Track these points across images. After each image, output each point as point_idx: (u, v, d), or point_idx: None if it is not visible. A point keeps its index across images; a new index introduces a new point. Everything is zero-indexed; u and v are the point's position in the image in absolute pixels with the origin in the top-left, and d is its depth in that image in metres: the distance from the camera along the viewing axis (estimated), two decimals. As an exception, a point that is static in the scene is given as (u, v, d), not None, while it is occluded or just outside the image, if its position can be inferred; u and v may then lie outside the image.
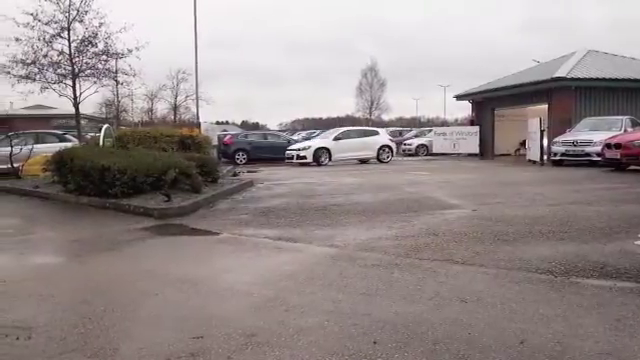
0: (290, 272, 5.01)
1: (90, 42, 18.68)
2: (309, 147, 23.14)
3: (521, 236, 6.20)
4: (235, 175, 15.07)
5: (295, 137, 36.92)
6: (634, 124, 18.58)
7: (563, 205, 8.54)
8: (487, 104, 28.66)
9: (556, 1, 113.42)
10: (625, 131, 17.42)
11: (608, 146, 15.54)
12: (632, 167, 14.64)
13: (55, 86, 18.80)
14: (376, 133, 25.35)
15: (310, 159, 22.45)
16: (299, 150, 23.26)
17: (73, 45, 18.47)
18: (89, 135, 20.74)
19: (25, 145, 14.96)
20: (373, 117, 68.68)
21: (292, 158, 22.90)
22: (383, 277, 4.73)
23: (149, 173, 9.33)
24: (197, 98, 33.08)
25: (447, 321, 3.60)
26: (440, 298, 4.10)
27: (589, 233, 6.25)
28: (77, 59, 18.65)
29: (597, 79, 22.85)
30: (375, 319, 3.65)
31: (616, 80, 22.97)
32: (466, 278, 4.65)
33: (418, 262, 5.20)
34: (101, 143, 12.62)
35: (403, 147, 32.34)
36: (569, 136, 18.97)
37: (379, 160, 23.87)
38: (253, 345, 3.26)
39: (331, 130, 26.37)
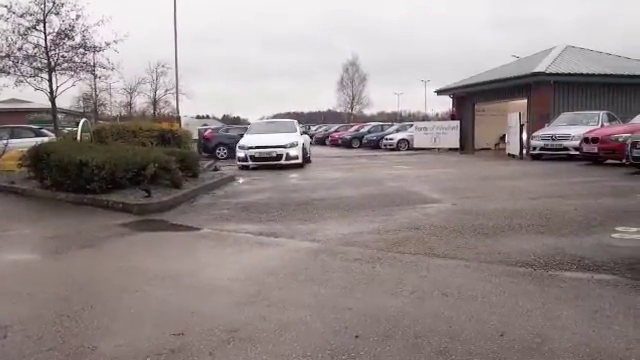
0: (272, 267, 4.99)
1: (67, 35, 18.45)
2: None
3: (501, 230, 6.25)
4: (216, 170, 14.98)
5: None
6: (611, 119, 18.85)
7: (542, 199, 8.63)
8: (468, 99, 28.86)
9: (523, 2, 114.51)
10: (602, 125, 17.67)
11: (586, 140, 15.73)
12: (609, 161, 14.84)
13: (30, 80, 18.56)
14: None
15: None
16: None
17: (49, 38, 18.26)
18: (66, 130, 20.45)
19: (0, 140, 14.71)
20: (354, 112, 68.84)
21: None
22: (365, 271, 4.74)
23: (128, 168, 9.22)
24: (177, 92, 32.85)
25: (428, 314, 3.62)
26: (421, 292, 4.12)
27: (567, 226, 6.33)
28: (53, 52, 18.42)
29: (575, 74, 23.14)
30: (357, 313, 3.66)
31: (593, 75, 23.27)
32: (447, 271, 4.68)
33: (400, 256, 5.22)
34: (78, 138, 12.44)
35: (384, 142, 32.44)
36: (548, 130, 19.18)
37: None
38: (235, 341, 3.24)
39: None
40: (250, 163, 16.76)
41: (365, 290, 4.23)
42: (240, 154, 17.09)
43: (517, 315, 3.58)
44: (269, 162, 16.64)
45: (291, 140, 17.41)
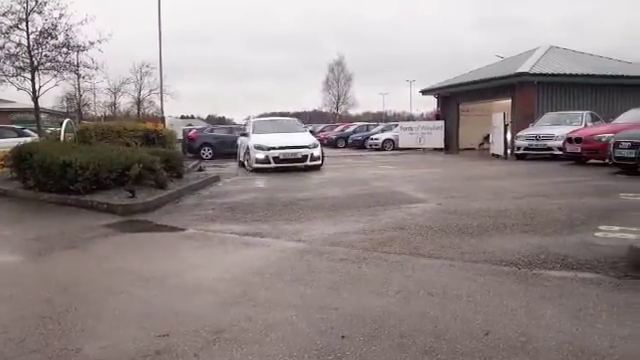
0: (258, 267, 4.98)
1: (50, 34, 18.23)
2: None
3: (485, 229, 6.29)
4: (201, 170, 14.92)
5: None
6: (594, 119, 19.03)
7: (526, 198, 8.69)
8: (452, 99, 29.00)
9: (510, 1, 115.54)
10: (585, 125, 17.83)
11: (569, 140, 15.87)
12: (592, 161, 14.98)
13: (13, 79, 18.33)
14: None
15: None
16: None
17: (32, 37, 18.02)
18: (49, 130, 20.24)
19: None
20: (340, 112, 68.93)
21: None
22: (351, 271, 4.74)
23: (112, 168, 9.15)
24: (161, 92, 32.69)
25: (414, 314, 3.63)
26: (407, 291, 4.13)
27: (551, 225, 6.38)
28: (36, 51, 18.19)
29: (558, 74, 23.34)
30: (343, 313, 3.66)
31: (577, 75, 23.48)
32: (432, 271, 4.70)
33: (385, 256, 5.23)
34: (62, 138, 12.32)
35: (370, 142, 32.52)
36: (532, 130, 19.32)
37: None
38: (221, 342, 3.23)
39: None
40: (272, 165, 15.26)
41: (351, 290, 4.23)
42: (258, 155, 15.44)
43: (502, 314, 3.60)
44: (294, 164, 15.44)
45: (312, 140, 16.53)
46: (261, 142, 15.70)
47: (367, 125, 40.16)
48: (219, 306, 3.92)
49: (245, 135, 17.27)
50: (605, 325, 3.36)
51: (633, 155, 11.80)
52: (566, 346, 3.06)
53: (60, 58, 18.65)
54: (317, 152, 15.93)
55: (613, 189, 9.53)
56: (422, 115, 62.14)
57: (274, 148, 15.44)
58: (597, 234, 5.82)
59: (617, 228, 6.03)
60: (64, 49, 18.60)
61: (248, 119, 28.98)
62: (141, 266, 5.21)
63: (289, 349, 3.10)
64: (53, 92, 42.56)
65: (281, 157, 15.36)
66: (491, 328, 3.34)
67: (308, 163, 15.55)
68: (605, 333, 3.23)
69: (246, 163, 16.29)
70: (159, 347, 3.17)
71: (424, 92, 32.10)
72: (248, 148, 16.09)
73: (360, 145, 33.41)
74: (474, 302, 3.86)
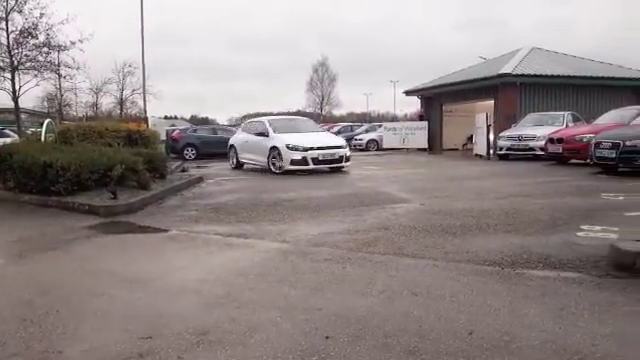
0: (242, 268, 4.96)
1: (30, 33, 18.06)
2: None
3: (469, 229, 6.32)
4: (184, 171, 14.85)
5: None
6: (575, 119, 19.25)
7: (509, 198, 8.76)
8: (436, 100, 29.14)
9: (491, 3, 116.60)
10: (567, 126, 18.02)
11: (551, 140, 16.01)
12: (573, 161, 15.13)
13: (-7, 79, 18.11)
14: None
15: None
16: None
17: (12, 36, 17.81)
18: (30, 130, 20.00)
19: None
20: (324, 112, 68.97)
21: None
22: (335, 272, 4.74)
23: (94, 169, 9.07)
24: (144, 92, 32.49)
25: (398, 314, 3.64)
26: (391, 291, 4.14)
27: (534, 225, 6.43)
28: (16, 51, 17.99)
29: (540, 75, 23.57)
30: (327, 314, 3.66)
31: (558, 77, 23.74)
32: (416, 271, 4.72)
33: (369, 256, 5.23)
34: (43, 138, 12.19)
35: (354, 142, 32.52)
36: (514, 131, 19.48)
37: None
38: (204, 344, 3.21)
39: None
40: (311, 166, 14.47)
41: (335, 290, 4.23)
42: (295, 156, 14.48)
43: (485, 313, 3.62)
44: (331, 165, 14.92)
45: (342, 140, 16.32)
46: (295, 142, 14.74)
47: (351, 126, 40.19)
48: (203, 307, 3.89)
49: (262, 135, 15.78)
50: (587, 324, 3.39)
51: (614, 155, 11.93)
52: (549, 345, 3.08)
53: (41, 58, 18.51)
54: (348, 153, 15.54)
55: (594, 189, 9.63)
56: (406, 116, 62.41)
57: (312, 149, 14.61)
58: (579, 234, 5.88)
59: (599, 228, 6.10)
60: (45, 49, 18.46)
61: (244, 118, 28.37)
62: (124, 268, 5.16)
63: (273, 350, 3.09)
64: (34, 92, 41.95)
65: (320, 158, 14.64)
66: (475, 328, 3.35)
67: (344, 164, 15.14)
68: (587, 332, 3.26)
69: (271, 164, 15.00)
70: (142, 349, 3.14)
71: (408, 93, 32.23)
72: (274, 148, 14.93)
73: (344, 146, 33.40)
74: (458, 302, 3.88)
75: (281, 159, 14.70)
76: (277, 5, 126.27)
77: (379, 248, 5.52)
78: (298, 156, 14.55)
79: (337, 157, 14.94)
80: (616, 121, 14.79)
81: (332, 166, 14.97)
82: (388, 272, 4.69)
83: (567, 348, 3.03)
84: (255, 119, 19.22)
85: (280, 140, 15.00)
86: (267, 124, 16.09)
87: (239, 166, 17.10)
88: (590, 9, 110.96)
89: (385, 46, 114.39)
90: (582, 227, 6.15)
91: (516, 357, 2.95)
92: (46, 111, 41.14)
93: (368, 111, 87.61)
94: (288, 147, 14.67)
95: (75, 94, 45.62)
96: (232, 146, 17.72)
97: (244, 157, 16.89)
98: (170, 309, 3.88)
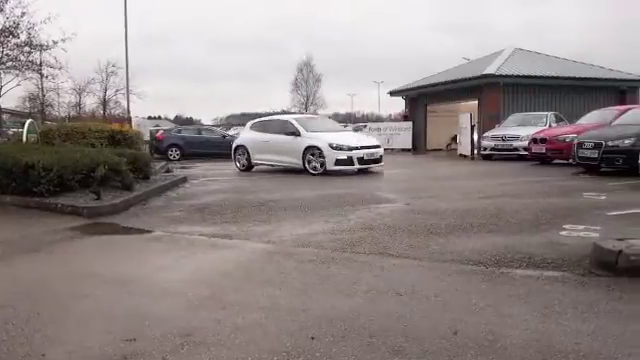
0: (226, 269, 4.94)
1: (11, 32, 17.83)
2: None
3: (453, 229, 6.35)
4: (168, 171, 14.75)
5: (231, 132, 36.58)
6: (558, 119, 19.45)
7: (493, 198, 8.81)
8: (420, 100, 29.26)
9: (473, 5, 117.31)
10: (550, 126, 18.20)
11: (534, 141, 16.15)
12: (557, 161, 15.28)
13: (-28, 79, 17.88)
14: None
15: None
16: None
17: (-7, 36, 17.59)
18: (11, 131, 19.77)
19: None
20: (309, 112, 68.94)
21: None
22: (320, 272, 4.74)
23: (77, 170, 8.97)
24: (128, 92, 32.29)
25: (383, 314, 3.64)
26: (376, 291, 4.14)
27: (517, 225, 6.48)
28: (-3, 50, 17.78)
29: (524, 76, 23.78)
30: (312, 314, 3.65)
31: (541, 77, 23.97)
32: (401, 271, 4.73)
33: (354, 256, 5.24)
34: (24, 139, 12.08)
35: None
36: (498, 131, 19.63)
37: None
38: (189, 345, 3.18)
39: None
40: (356, 166, 14.03)
41: (320, 291, 4.23)
42: (340, 156, 13.90)
43: (470, 313, 3.64)
44: (372, 165, 14.55)
45: (376, 139, 16.05)
46: (339, 142, 14.21)
47: (336, 126, 40.13)
48: (187, 309, 3.87)
49: (290, 134, 14.89)
50: (570, 322, 3.42)
51: (596, 155, 12.07)
52: (533, 343, 3.10)
53: (22, 57, 18.30)
54: (382, 152, 15.26)
55: (577, 189, 9.73)
56: (390, 116, 62.65)
57: (357, 148, 14.17)
58: (562, 233, 5.93)
59: (581, 227, 6.16)
60: (26, 48, 18.24)
61: (229, 119, 28.21)
62: (107, 269, 5.11)
63: (258, 351, 3.07)
64: (15, 92, 41.57)
65: (365, 158, 14.21)
66: (460, 327, 3.36)
67: (382, 164, 14.89)
68: (570, 330, 3.29)
69: (309, 165, 14.26)
70: (126, 352, 3.11)
71: (392, 93, 32.34)
72: (311, 148, 14.23)
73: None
74: (442, 301, 3.89)
75: (320, 159, 14.04)
76: (260, 5, 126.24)
77: (364, 248, 5.53)
78: (343, 156, 13.97)
79: (378, 157, 14.64)
80: (598, 121, 14.97)
81: (373, 166, 14.61)
82: (373, 272, 4.69)
83: (551, 346, 3.06)
84: (271, 117, 18.55)
85: (319, 139, 14.34)
86: (295, 123, 15.22)
87: (249, 168, 16.10)
88: (572, 10, 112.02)
89: (369, 47, 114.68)
90: (565, 226, 6.21)
91: (501, 356, 2.97)
92: (28, 111, 40.65)
93: (353, 111, 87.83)
94: (332, 147, 14.01)
95: (57, 94, 45.28)
96: (240, 147, 16.42)
97: (260, 158, 15.85)
98: (154, 311, 3.85)
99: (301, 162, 14.42)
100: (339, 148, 14.03)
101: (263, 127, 16.38)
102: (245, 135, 16.83)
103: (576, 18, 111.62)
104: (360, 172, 14.04)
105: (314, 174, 13.99)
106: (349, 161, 13.99)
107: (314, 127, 15.34)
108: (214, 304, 3.93)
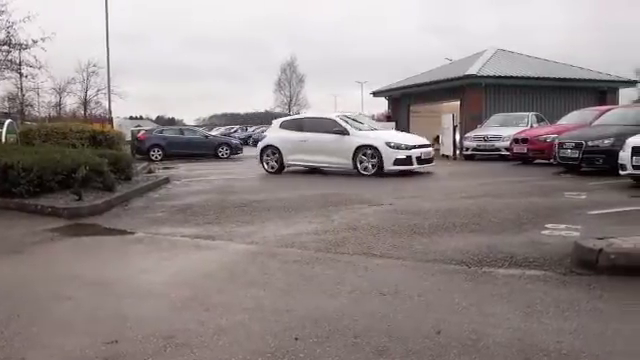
0: (209, 270, 4.91)
1: (-11, 32, 17.56)
2: None
3: (436, 229, 6.37)
4: (150, 172, 14.66)
5: (214, 132, 36.47)
6: (539, 120, 19.64)
7: (475, 198, 8.87)
8: (403, 100, 29.39)
9: (453, 7, 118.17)
10: (531, 127, 18.37)
11: (516, 141, 16.29)
12: (538, 161, 15.42)
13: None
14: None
15: None
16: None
17: (-30, 35, 17.33)
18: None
19: None
20: (292, 113, 68.89)
21: None
22: (304, 272, 4.73)
23: (57, 171, 8.87)
24: (109, 92, 32.00)
25: (367, 314, 3.64)
26: (360, 292, 4.14)
27: (500, 224, 6.52)
28: (-25, 50, 17.51)
29: (505, 77, 24.00)
30: (296, 315, 3.64)
31: (522, 78, 24.20)
32: (385, 271, 4.73)
33: (338, 256, 5.23)
34: (3, 139, 11.91)
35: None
36: (480, 131, 19.78)
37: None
38: (172, 347, 3.16)
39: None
40: (415, 166, 13.35)
41: (304, 291, 4.22)
42: (399, 155, 13.08)
43: (453, 312, 3.65)
44: (426, 164, 13.89)
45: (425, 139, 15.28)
46: (397, 140, 13.53)
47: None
48: (170, 311, 3.83)
49: (335, 133, 13.85)
50: (552, 321, 3.45)
51: (576, 155, 12.20)
52: (516, 342, 3.12)
53: (1, 56, 18.00)
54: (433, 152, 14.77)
55: (558, 188, 9.83)
56: (373, 116, 62.69)
57: (414, 147, 13.50)
58: (544, 232, 5.98)
59: (563, 226, 6.22)
60: (5, 47, 17.96)
61: (212, 119, 28.13)
62: (89, 271, 5.06)
63: (242, 352, 3.06)
64: (-7, 92, 41.04)
65: (422, 157, 13.59)
66: (443, 326, 3.38)
67: (434, 163, 14.38)
68: (552, 328, 3.32)
69: (360, 165, 13.38)
70: (108, 354, 3.08)
71: (375, 94, 32.46)
72: (364, 147, 13.35)
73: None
74: (426, 301, 3.90)
75: (373, 159, 13.17)
76: (242, 5, 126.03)
77: (348, 248, 5.52)
78: (402, 155, 13.15)
79: (431, 156, 14.18)
80: (579, 122, 15.16)
81: (427, 165, 14.05)
82: (357, 272, 4.69)
83: (533, 345, 3.08)
84: (306, 115, 17.79)
85: (375, 138, 13.59)
86: (340, 120, 14.20)
87: (280, 170, 14.90)
88: (554, 12, 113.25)
89: (352, 48, 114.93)
90: (547, 226, 6.26)
91: (484, 355, 2.98)
92: (7, 111, 40.09)
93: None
94: (390, 145, 13.20)
95: (37, 94, 44.75)
96: (269, 147, 15.18)
97: (295, 159, 14.70)
98: (136, 312, 3.82)
99: (351, 162, 13.50)
100: (397, 147, 13.24)
101: (297, 125, 15.23)
102: (274, 134, 15.49)
103: (557, 20, 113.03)
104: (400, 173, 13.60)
105: (367, 175, 13.17)
106: (408, 161, 13.24)
107: (359, 125, 14.59)
108: (197, 305, 3.91)
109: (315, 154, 14.31)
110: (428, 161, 13.94)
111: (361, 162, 13.39)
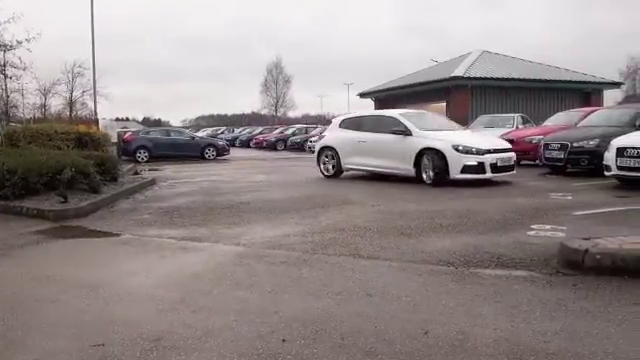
0: (196, 273, 4.89)
1: (-28, 32, 17.36)
2: None
3: (423, 230, 6.39)
4: (136, 173, 14.57)
5: (200, 134, 36.37)
6: (525, 121, 19.74)
7: (462, 199, 8.91)
8: (389, 102, 29.46)
9: (437, 9, 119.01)
10: (517, 128, 18.45)
11: (502, 142, 16.36)
12: (524, 162, 15.50)
13: None
14: None
15: None
16: None
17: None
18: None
19: None
20: (279, 114, 68.85)
21: None
22: (291, 274, 4.72)
23: (43, 172, 8.80)
24: (95, 93, 31.78)
25: (354, 315, 3.64)
26: (347, 293, 4.15)
27: (486, 225, 6.56)
28: (-42, 50, 17.31)
29: (491, 78, 24.18)
30: (284, 317, 3.63)
31: (508, 79, 24.37)
32: (372, 272, 4.74)
33: (325, 258, 5.23)
34: (-12, 141, 11.79)
35: (309, 144, 32.50)
36: (466, 133, 19.84)
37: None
38: (159, 350, 3.14)
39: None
40: (488, 175, 10.96)
41: (292, 293, 4.21)
42: (469, 161, 10.84)
43: (440, 313, 3.66)
44: (504, 173, 11.38)
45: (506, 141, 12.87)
46: (466, 143, 11.14)
47: (306, 127, 40.15)
48: (157, 313, 3.81)
49: (396, 133, 11.82)
50: (539, 321, 3.47)
51: (562, 156, 12.29)
52: (503, 342, 3.14)
53: (-16, 58, 17.81)
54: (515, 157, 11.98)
55: (544, 189, 9.90)
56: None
57: (489, 152, 11.10)
58: (530, 233, 6.02)
59: (549, 227, 6.26)
60: (-11, 48, 17.76)
61: (198, 120, 28.06)
62: (74, 273, 5.02)
63: (229, 354, 3.05)
64: (-23, 93, 40.56)
65: (499, 164, 11.13)
66: (430, 327, 3.39)
67: (514, 172, 11.68)
68: (539, 329, 3.34)
69: (425, 174, 11.20)
70: (94, 357, 3.06)
71: (362, 95, 32.56)
72: (427, 151, 11.17)
73: (299, 147, 33.30)
74: (413, 302, 3.91)
75: (440, 165, 10.91)
76: (227, 6, 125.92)
77: (335, 250, 5.53)
78: (473, 161, 10.88)
79: (512, 163, 11.60)
80: (564, 123, 15.27)
81: (506, 174, 11.47)
82: (344, 273, 4.69)
83: (520, 345, 3.10)
84: (367, 112, 15.52)
85: (439, 140, 11.28)
86: (403, 119, 12.11)
87: (337, 174, 13.29)
88: (538, 14, 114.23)
89: (339, 49, 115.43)
90: (532, 226, 6.31)
91: (471, 355, 3.00)
92: (-9, 113, 39.69)
93: (323, 113, 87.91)
94: (457, 149, 10.94)
95: (22, 95, 44.22)
96: (327, 148, 13.58)
97: (353, 162, 12.95)
98: (123, 315, 3.79)
99: (412, 168, 11.43)
100: (467, 151, 10.97)
101: (357, 124, 13.36)
102: (332, 134, 13.82)
103: (539, 22, 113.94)
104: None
105: (429, 184, 11.01)
106: (480, 168, 10.92)
107: (425, 125, 12.19)
108: (184, 308, 3.89)
109: (374, 157, 12.40)
110: (507, 169, 11.40)
111: (425, 168, 11.28)
